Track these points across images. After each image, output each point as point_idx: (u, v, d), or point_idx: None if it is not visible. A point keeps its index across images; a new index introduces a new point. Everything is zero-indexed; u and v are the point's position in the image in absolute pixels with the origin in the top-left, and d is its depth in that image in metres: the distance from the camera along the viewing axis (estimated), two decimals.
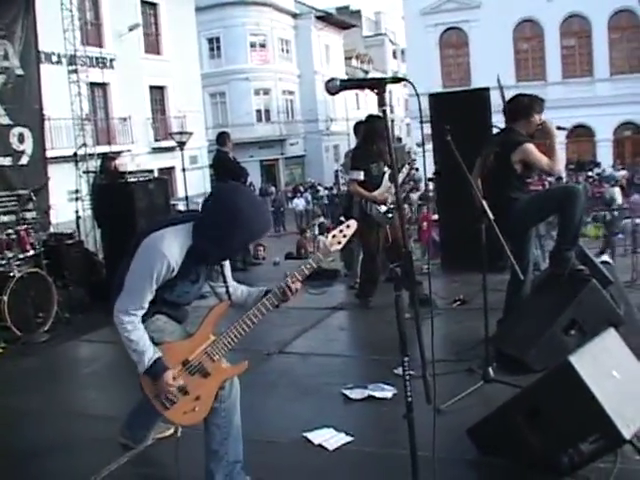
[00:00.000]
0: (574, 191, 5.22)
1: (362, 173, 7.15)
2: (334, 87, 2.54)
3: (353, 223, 3.32)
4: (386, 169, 7.23)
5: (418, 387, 2.72)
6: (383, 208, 7.18)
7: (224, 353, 3.22)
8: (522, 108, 5.39)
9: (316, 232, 21.35)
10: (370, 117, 7.47)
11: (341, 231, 3.29)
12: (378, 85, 2.49)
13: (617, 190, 23.99)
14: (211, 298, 3.56)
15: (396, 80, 2.54)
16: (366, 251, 7.58)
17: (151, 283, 3.08)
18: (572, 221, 5.11)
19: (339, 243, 3.27)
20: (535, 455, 3.40)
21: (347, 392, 4.88)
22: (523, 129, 5.35)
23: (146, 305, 3.15)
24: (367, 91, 2.53)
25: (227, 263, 3.45)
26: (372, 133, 7.20)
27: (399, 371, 4.77)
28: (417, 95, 2.65)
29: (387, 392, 4.75)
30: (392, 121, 54.70)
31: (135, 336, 3.11)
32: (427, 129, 10.11)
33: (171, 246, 3.05)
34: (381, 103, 2.50)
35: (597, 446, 3.28)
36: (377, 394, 4.76)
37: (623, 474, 3.41)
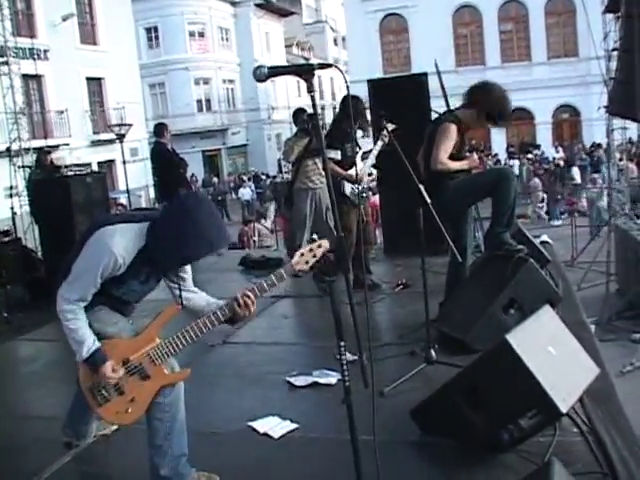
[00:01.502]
0: (506, 174, 5.33)
1: (339, 152, 7.15)
2: (262, 74, 2.53)
3: (325, 243, 3.16)
4: (357, 149, 7.25)
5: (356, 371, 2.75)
6: (357, 188, 7.17)
7: (167, 359, 3.19)
8: (484, 103, 5.30)
9: (271, 218, 21.15)
10: (344, 98, 7.48)
11: (311, 250, 3.14)
12: (306, 71, 2.49)
13: (576, 170, 24.62)
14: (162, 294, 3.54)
15: (324, 66, 2.54)
16: (345, 231, 7.46)
17: (96, 276, 3.05)
18: (505, 203, 5.21)
19: (307, 263, 3.13)
20: (476, 433, 3.48)
21: (291, 380, 4.90)
22: (469, 118, 5.37)
23: (89, 297, 3.12)
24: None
25: (188, 267, 3.43)
26: (346, 113, 7.19)
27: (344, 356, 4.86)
28: (346, 83, 2.65)
29: (331, 378, 4.79)
30: (334, 107, 54.86)
31: (75, 325, 3.09)
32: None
33: (121, 243, 3.02)
34: (310, 89, 2.50)
35: (536, 421, 3.37)
36: (321, 380, 4.80)
37: (562, 446, 3.51)
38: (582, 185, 22.47)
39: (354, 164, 7.16)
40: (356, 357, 2.84)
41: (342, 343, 2.58)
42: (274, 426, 4.11)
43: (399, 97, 8.06)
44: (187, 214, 3.01)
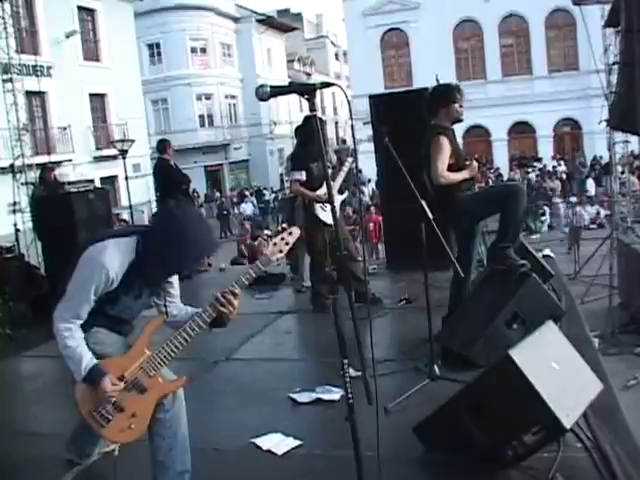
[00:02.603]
0: (516, 190, 5.30)
1: (304, 173, 7.16)
2: (264, 94, 2.55)
3: (295, 230, 3.27)
4: (329, 167, 7.27)
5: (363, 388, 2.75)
6: (328, 207, 7.19)
7: (161, 368, 3.19)
8: (439, 98, 5.46)
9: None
10: (308, 118, 7.51)
11: (282, 239, 3.22)
12: (308, 91, 2.51)
13: (590, 182, 24.65)
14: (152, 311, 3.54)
15: (326, 85, 2.56)
16: (313, 253, 7.47)
17: (89, 293, 3.07)
18: (513, 219, 5.20)
19: (280, 251, 3.22)
20: (480, 449, 3.46)
21: (295, 396, 4.88)
22: (445, 119, 5.42)
23: (84, 315, 3.13)
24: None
25: (175, 279, 3.44)
26: (311, 133, 7.24)
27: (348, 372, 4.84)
28: (348, 101, 2.68)
29: (334, 394, 4.77)
30: (336, 123, 54.98)
31: (72, 343, 3.09)
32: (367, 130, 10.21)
33: (112, 258, 3.05)
34: (312, 108, 2.51)
35: (540, 437, 3.36)
36: (324, 397, 4.78)
37: (566, 462, 3.50)
38: (597, 197, 22.43)
39: (323, 183, 7.13)
40: (359, 373, 2.84)
41: (345, 360, 2.58)
42: (277, 443, 4.09)
43: (400, 112, 8.07)
44: (174, 223, 3.08)
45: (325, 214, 7.13)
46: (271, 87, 2.54)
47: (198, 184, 33.71)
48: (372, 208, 18.69)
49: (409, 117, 7.97)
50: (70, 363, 3.11)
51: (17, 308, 8.97)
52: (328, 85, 2.58)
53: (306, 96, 2.51)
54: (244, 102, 44.85)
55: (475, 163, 5.49)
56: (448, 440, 3.66)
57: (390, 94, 12.01)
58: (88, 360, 3.09)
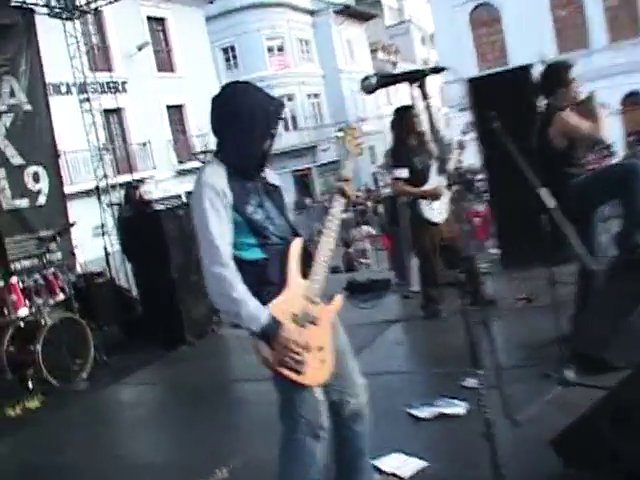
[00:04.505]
0: (634, 168, 5.08)
1: (406, 170, 7.10)
2: (370, 86, 2.52)
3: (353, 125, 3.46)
4: (431, 161, 7.19)
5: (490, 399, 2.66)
6: (435, 204, 7.10)
7: (320, 291, 3.16)
8: (556, 77, 5.29)
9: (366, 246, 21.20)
10: (399, 110, 7.45)
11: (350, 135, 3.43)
12: (418, 78, 2.46)
13: None
14: None
15: (436, 70, 2.50)
16: (421, 255, 7.40)
17: (217, 217, 3.02)
18: (636, 201, 4.98)
19: (355, 146, 3.39)
20: (627, 465, 3.30)
21: (414, 412, 4.81)
22: (563, 100, 5.24)
23: (229, 246, 3.06)
24: (398, 86, 2.51)
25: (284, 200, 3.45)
26: (407, 124, 7.18)
27: (468, 383, 4.75)
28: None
29: (459, 408, 4.67)
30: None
31: (237, 293, 2.97)
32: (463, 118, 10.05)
33: (210, 175, 3.08)
34: (425, 96, 2.46)
35: None
36: (448, 411, 4.69)
37: None
38: None
39: (427, 178, 7.14)
40: (479, 383, 2.74)
41: (481, 371, 2.50)
42: (401, 465, 4.01)
43: (501, 94, 7.89)
44: (223, 98, 3.20)
45: (432, 212, 7.05)
46: (378, 78, 2.50)
47: (287, 190, 33.98)
48: (477, 202, 18.36)
49: (511, 98, 7.80)
50: (238, 318, 3.00)
51: (111, 333, 9.24)
52: (438, 71, 2.52)
53: (417, 83, 2.46)
54: (328, 100, 45.14)
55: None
56: (589, 455, 3.50)
57: (490, 75, 11.77)
58: (263, 310, 2.99)
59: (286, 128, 42.07)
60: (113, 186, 13.74)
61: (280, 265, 3.12)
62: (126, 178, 17.83)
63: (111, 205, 13.16)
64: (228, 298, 2.97)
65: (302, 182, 42.52)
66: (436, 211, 7.11)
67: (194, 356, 8.08)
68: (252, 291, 3.01)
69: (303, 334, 3.03)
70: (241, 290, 2.98)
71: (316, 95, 45.07)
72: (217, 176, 3.07)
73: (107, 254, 11.39)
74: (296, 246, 3.18)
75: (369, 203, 32.94)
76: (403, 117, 7.29)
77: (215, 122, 3.22)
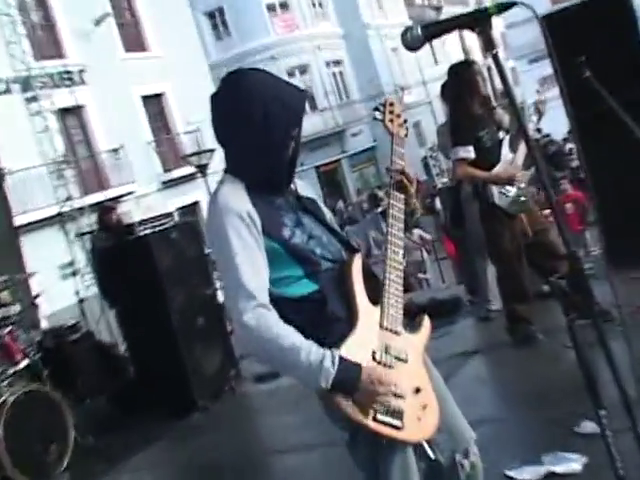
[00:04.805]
0: None
1: (471, 149, 7.06)
2: (416, 39, 2.48)
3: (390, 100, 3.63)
4: (501, 134, 7.15)
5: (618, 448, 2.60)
6: (512, 191, 7.04)
7: (402, 317, 3.14)
8: None
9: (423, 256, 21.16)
10: (456, 67, 7.43)
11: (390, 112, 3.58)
12: (479, 20, 2.41)
13: None
14: None
15: (504, 7, 2.44)
16: (501, 260, 7.32)
17: (246, 249, 2.99)
18: None
19: (400, 125, 3.59)
20: None
21: (513, 474, 4.75)
22: None
23: (266, 286, 3.01)
24: (445, 38, 2.47)
25: (325, 211, 3.49)
26: (469, 86, 7.14)
27: (584, 429, 4.68)
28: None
29: (574, 463, 4.60)
30: (489, 68, 54.51)
31: (289, 339, 2.92)
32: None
33: (227, 196, 3.07)
34: (489, 45, 2.41)
35: None
36: (559, 469, 4.62)
37: None
38: None
39: (499, 158, 7.10)
40: (601, 427, 2.66)
41: (603, 412, 2.43)
42: None
43: (592, 32, 7.82)
44: (225, 94, 3.18)
45: (508, 201, 6.99)
46: (423, 27, 2.46)
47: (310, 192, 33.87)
48: (566, 182, 18.22)
49: (609, 38, 7.73)
50: (296, 371, 2.93)
51: (96, 406, 9.25)
52: (508, 7, 2.45)
53: (477, 29, 2.41)
54: (354, 67, 45.12)
55: None
56: None
57: (574, 7, 11.71)
58: (327, 353, 2.92)
59: None
60: (81, 210, 13.85)
61: (341, 294, 3.09)
62: (97, 198, 17.95)
63: (81, 235, 13.24)
64: (277, 349, 2.90)
65: (329, 180, 42.60)
66: (514, 199, 7.04)
67: (211, 425, 8.06)
68: (311, 336, 2.95)
69: (391, 376, 2.99)
70: (293, 335, 2.92)
71: (337, 62, 45.13)
72: (237, 197, 3.05)
73: (81, 300, 11.47)
74: (357, 264, 3.15)
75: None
76: (462, 77, 7.24)
77: (220, 128, 3.18)
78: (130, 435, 8.19)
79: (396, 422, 2.95)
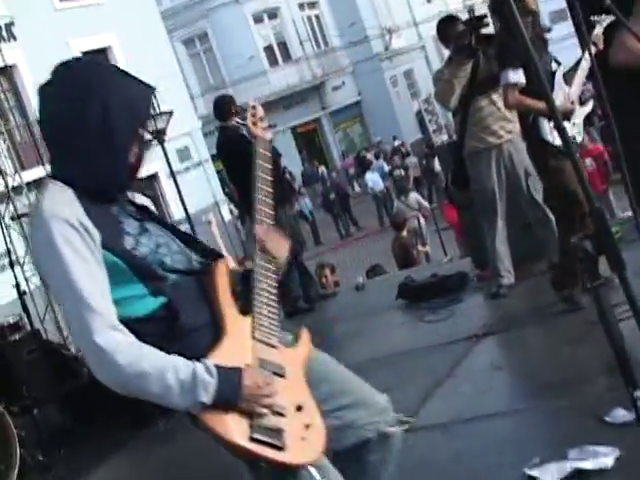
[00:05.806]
0: None
1: (522, 73, 7.06)
2: None
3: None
4: (555, 65, 7.20)
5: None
6: (568, 126, 7.05)
7: (278, 328, 3.22)
8: None
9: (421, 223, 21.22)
10: None
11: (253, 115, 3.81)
12: None
13: None
14: None
15: None
16: (569, 202, 7.02)
17: (84, 263, 2.94)
18: None
19: (264, 129, 3.77)
20: None
21: (536, 473, 4.76)
22: None
23: (111, 307, 2.98)
24: None
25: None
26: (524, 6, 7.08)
27: (616, 417, 4.71)
28: None
29: (605, 458, 4.60)
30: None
31: (150, 360, 2.95)
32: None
33: (54, 203, 3.00)
34: None
35: None
36: (587, 465, 4.61)
37: None
38: None
39: (552, 88, 7.01)
40: (636, 415, 2.69)
41: (637, 393, 2.45)
42: None
43: None
44: (72, 80, 3.14)
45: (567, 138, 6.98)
46: None
47: (288, 159, 33.74)
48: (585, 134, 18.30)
49: None
50: (170, 394, 2.95)
51: (46, 417, 9.24)
52: None
53: None
54: (332, 9, 44.92)
55: None
56: None
57: None
58: (199, 366, 2.96)
59: (272, 62, 42.06)
60: (17, 188, 13.76)
61: (198, 304, 3.13)
62: (38, 173, 17.81)
63: (18, 217, 13.16)
64: (138, 373, 2.92)
65: (308, 142, 42.56)
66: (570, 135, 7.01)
67: (180, 431, 8.03)
68: (169, 354, 2.99)
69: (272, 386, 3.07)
70: (152, 353, 2.95)
71: (312, 4, 44.95)
72: (65, 204, 2.99)
73: (22, 294, 11.40)
74: (221, 272, 3.19)
75: (413, 159, 32.86)
76: None
77: (48, 125, 3.17)
78: (86, 448, 8.19)
79: (276, 442, 2.98)
